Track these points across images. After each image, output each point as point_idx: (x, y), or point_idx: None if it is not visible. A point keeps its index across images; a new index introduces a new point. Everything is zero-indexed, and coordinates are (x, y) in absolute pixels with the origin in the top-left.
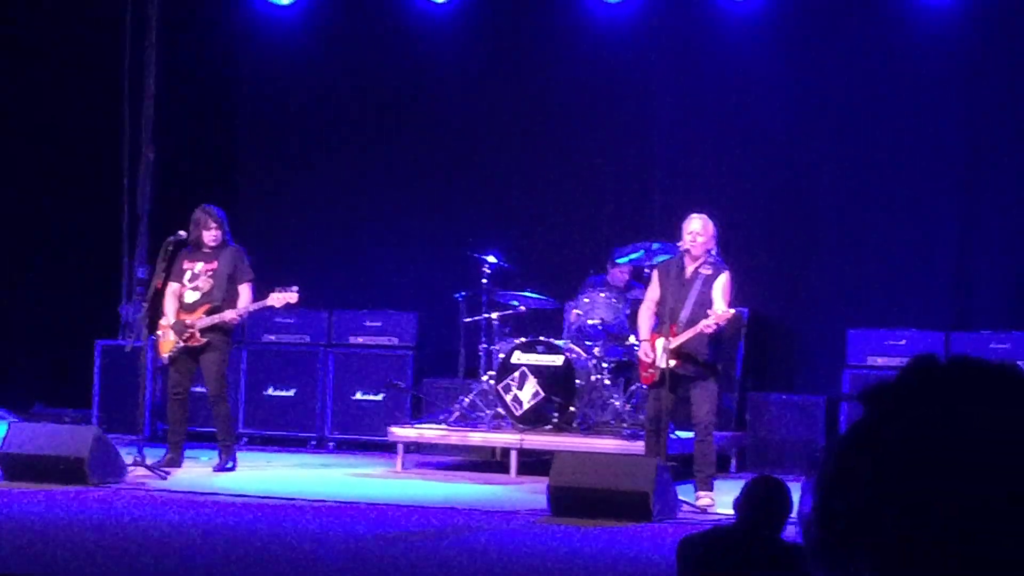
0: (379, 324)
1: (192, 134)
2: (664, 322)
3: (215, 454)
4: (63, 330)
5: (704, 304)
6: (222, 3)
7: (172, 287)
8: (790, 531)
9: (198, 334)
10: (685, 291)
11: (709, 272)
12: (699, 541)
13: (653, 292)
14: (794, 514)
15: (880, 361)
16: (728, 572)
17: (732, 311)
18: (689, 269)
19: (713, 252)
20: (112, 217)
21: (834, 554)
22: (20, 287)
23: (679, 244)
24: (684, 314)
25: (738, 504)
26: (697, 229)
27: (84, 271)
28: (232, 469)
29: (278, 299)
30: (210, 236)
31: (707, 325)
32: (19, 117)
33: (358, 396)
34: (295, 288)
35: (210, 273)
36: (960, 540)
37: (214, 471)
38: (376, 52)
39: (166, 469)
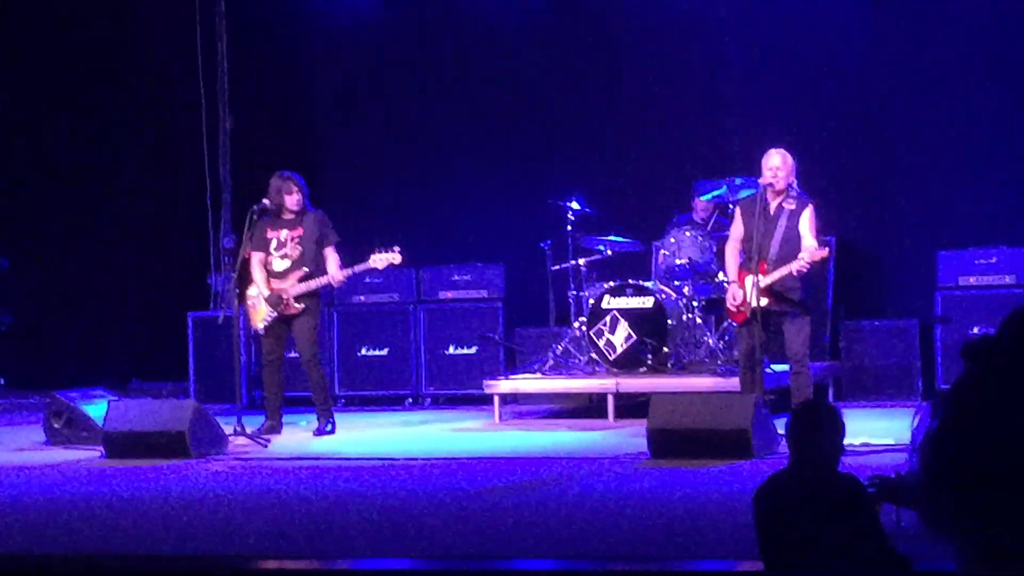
0: (467, 278)
1: (268, 101)
2: (752, 259)
3: (313, 418)
4: (154, 304)
5: (792, 239)
6: None
7: (257, 256)
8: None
9: (293, 302)
10: (771, 227)
11: (793, 207)
12: (764, 490)
13: (737, 230)
14: (846, 440)
15: (972, 280)
16: (791, 518)
17: (826, 251)
18: (773, 204)
19: (794, 185)
20: (196, 189)
21: (945, 511)
22: (109, 265)
23: (760, 180)
24: (773, 250)
25: (785, 438)
26: (777, 164)
27: (171, 244)
28: (331, 432)
29: (381, 260)
30: (293, 200)
31: (801, 264)
32: (98, 95)
33: (451, 350)
34: (396, 248)
35: (297, 239)
36: None
37: (314, 435)
38: (444, 4)
39: (266, 436)
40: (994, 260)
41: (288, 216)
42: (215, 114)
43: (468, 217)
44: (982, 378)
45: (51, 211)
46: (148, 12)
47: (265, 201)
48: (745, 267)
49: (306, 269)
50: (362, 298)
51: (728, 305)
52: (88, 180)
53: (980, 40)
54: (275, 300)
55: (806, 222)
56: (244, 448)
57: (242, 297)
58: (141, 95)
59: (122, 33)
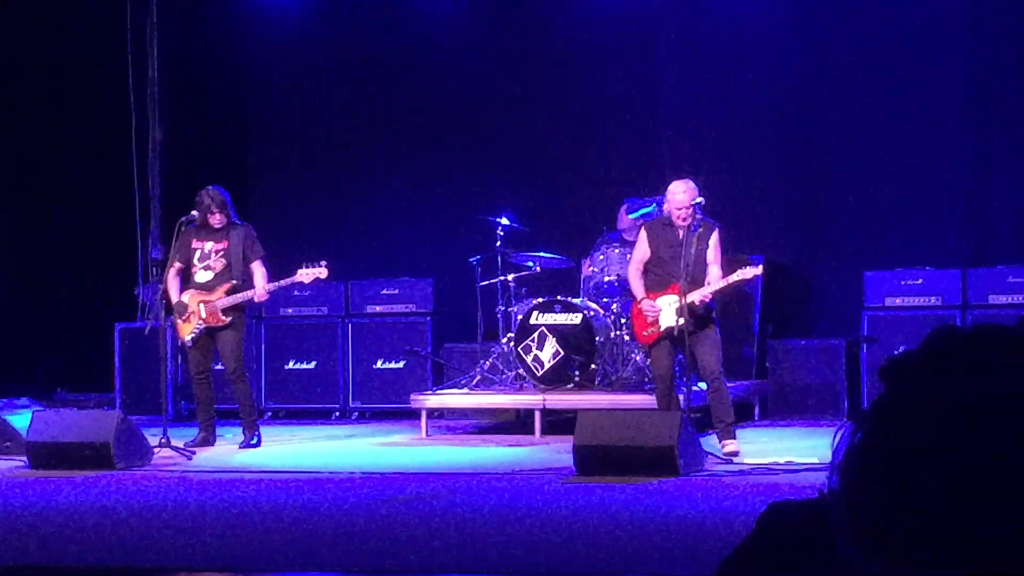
0: (396, 292)
1: (200, 112)
2: (674, 279)
3: (239, 431)
4: (81, 315)
5: (702, 260)
6: None
7: (177, 266)
8: None
9: (220, 314)
10: (682, 249)
11: (702, 229)
12: (789, 512)
13: (642, 252)
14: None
15: (898, 301)
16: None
17: (759, 268)
18: (681, 226)
19: (699, 207)
20: (124, 199)
21: (863, 537)
22: (36, 275)
23: (665, 210)
24: (687, 272)
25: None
26: (684, 201)
27: (99, 255)
28: (257, 445)
29: (307, 275)
30: (215, 220)
31: (743, 278)
32: (26, 104)
33: (379, 365)
34: (324, 263)
35: (221, 252)
36: (981, 519)
37: (239, 448)
38: (379, 21)
39: (192, 449)
40: (920, 282)
41: (213, 229)
42: (145, 124)
43: (397, 231)
44: (901, 397)
45: None
46: (77, 20)
47: (194, 212)
48: (654, 289)
49: (234, 282)
50: (290, 311)
51: (638, 327)
52: (15, 189)
53: (911, 65)
54: (181, 308)
55: (714, 246)
56: (169, 460)
57: (170, 308)
58: (69, 104)
59: (49, 42)
